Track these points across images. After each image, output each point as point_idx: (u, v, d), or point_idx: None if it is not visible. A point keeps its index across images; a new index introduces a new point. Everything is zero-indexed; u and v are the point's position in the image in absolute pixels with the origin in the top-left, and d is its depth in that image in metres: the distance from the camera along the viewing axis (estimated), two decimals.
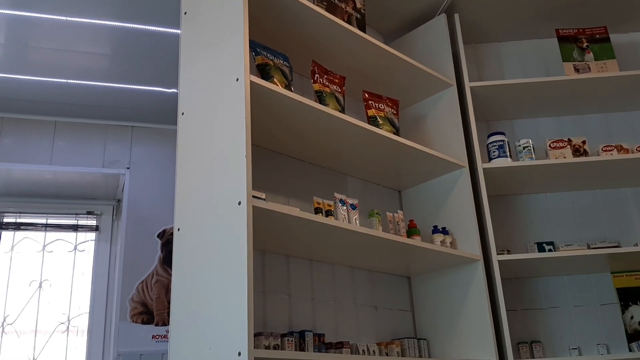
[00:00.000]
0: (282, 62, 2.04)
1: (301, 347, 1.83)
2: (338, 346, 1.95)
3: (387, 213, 2.23)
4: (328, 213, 1.98)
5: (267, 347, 1.68)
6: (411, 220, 2.34)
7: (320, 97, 2.11)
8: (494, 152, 2.56)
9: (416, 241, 2.15)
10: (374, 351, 2.05)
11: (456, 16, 2.77)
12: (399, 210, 2.28)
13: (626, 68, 2.83)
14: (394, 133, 2.31)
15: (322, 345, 1.92)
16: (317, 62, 2.20)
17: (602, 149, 2.56)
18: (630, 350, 2.46)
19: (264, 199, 1.69)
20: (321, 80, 2.16)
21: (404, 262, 2.34)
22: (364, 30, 2.33)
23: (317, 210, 1.95)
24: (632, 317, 2.53)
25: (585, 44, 2.76)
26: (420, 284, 2.50)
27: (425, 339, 2.34)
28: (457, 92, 2.61)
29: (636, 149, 2.56)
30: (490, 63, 3.03)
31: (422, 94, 2.68)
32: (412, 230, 2.28)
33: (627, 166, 2.54)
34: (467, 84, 2.62)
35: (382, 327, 2.33)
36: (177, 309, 1.72)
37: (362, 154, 2.31)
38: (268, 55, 2.00)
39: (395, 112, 2.42)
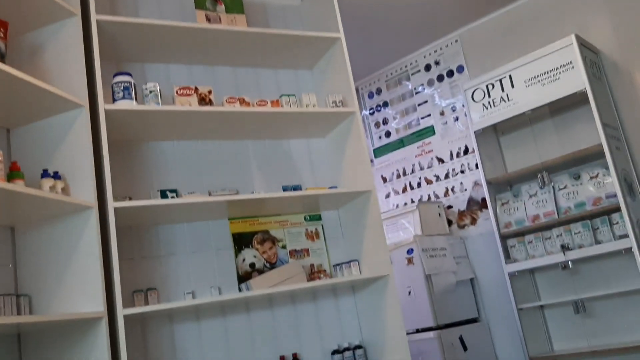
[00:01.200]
0: None
1: None
2: None
3: None
4: None
5: None
6: (14, 162, 2.03)
7: None
8: (119, 93, 2.40)
9: (17, 186, 1.86)
10: None
11: None
12: None
13: (254, 25, 2.97)
14: None
15: None
16: None
17: (226, 101, 2.64)
18: (240, 290, 2.64)
19: None
20: None
21: (5, 210, 2.03)
22: None
23: None
24: (244, 260, 2.73)
25: None
26: (25, 235, 2.21)
27: (27, 295, 2.10)
28: (81, 23, 2.35)
29: (256, 104, 2.72)
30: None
31: (40, 21, 2.32)
32: (14, 174, 1.97)
33: (248, 119, 2.69)
34: (94, 16, 2.39)
35: None
36: None
37: None
38: None
39: (1, 35, 2.04)
